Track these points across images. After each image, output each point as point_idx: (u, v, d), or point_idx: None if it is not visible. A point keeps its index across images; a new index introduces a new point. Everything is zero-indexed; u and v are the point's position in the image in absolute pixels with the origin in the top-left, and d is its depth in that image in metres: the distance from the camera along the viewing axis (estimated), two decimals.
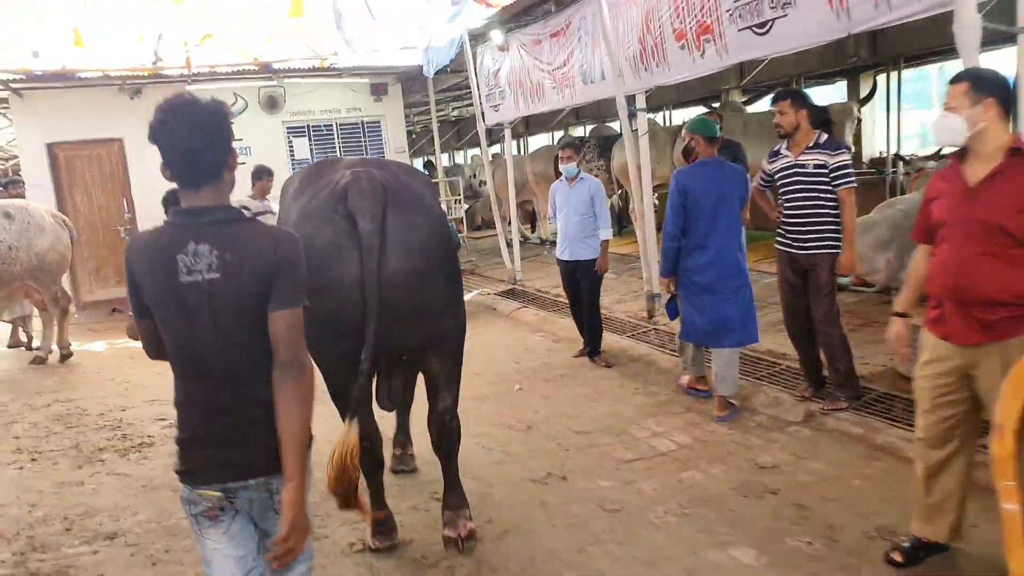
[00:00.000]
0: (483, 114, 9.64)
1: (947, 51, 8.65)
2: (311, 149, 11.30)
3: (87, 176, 10.32)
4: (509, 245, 9.87)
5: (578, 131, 15.91)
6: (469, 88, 11.01)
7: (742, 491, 3.72)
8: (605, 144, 11.31)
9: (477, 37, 9.04)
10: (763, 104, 11.88)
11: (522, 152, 16.14)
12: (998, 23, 3.69)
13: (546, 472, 4.11)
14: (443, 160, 15.89)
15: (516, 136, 14.00)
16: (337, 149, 11.44)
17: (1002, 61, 6.52)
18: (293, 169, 9.97)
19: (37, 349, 7.84)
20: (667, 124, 12.73)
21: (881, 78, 9.27)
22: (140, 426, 5.45)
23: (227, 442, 1.96)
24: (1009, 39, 4.14)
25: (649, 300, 6.83)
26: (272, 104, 11.04)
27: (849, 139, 8.22)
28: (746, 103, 11.35)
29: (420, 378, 3.61)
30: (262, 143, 10.43)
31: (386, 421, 3.99)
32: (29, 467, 4.81)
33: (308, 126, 11.37)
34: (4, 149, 14.88)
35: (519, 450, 4.47)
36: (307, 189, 3.36)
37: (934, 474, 2.83)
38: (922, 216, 2.84)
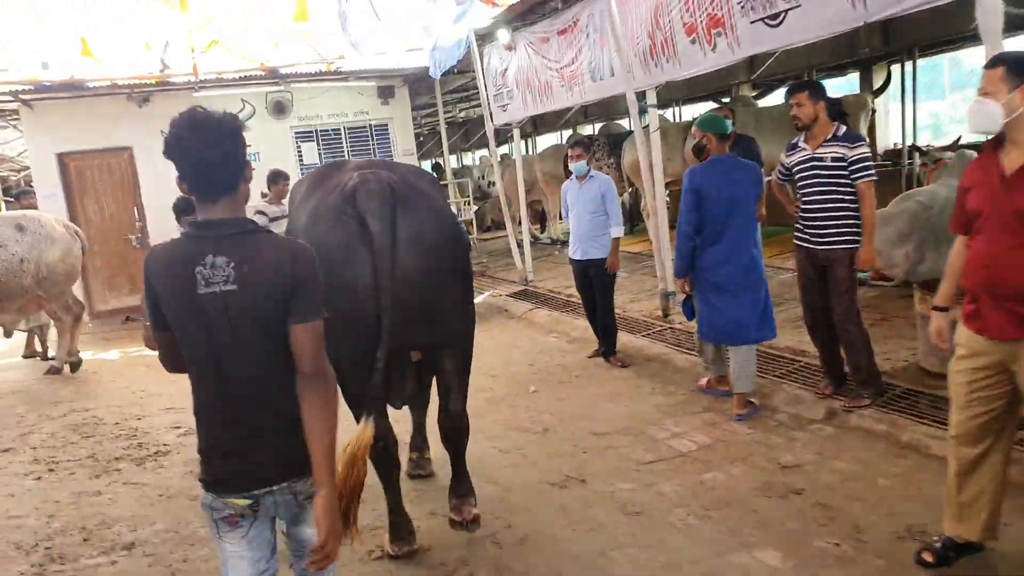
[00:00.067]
0: (491, 114, 9.59)
1: (961, 39, 8.56)
2: (319, 154, 11.30)
3: (98, 185, 10.36)
4: (520, 246, 9.82)
5: (587, 130, 15.84)
6: (476, 89, 10.97)
7: (765, 491, 3.65)
8: (615, 142, 11.23)
9: (484, 37, 8.98)
10: (774, 98, 11.78)
11: (530, 152, 16.07)
12: (1021, 8, 3.60)
13: (564, 475, 4.06)
14: (451, 162, 15.87)
15: (524, 136, 13.95)
16: (345, 153, 11.43)
17: None
18: (302, 174, 9.97)
19: (53, 359, 7.85)
20: (677, 120, 12.63)
21: (894, 68, 9.15)
22: (156, 434, 5.44)
23: (249, 451, 2.00)
24: None
25: (664, 298, 6.76)
26: (280, 109, 11.05)
27: (863, 131, 8.10)
28: (757, 97, 11.24)
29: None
30: (270, 149, 10.45)
31: (401, 425, 3.97)
32: (47, 477, 4.81)
33: (316, 131, 11.37)
34: (16, 160, 14.97)
35: (536, 453, 4.42)
36: (316, 192, 3.36)
37: (967, 472, 2.75)
38: (958, 206, 2.76)
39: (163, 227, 8.16)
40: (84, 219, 10.00)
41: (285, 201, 6.95)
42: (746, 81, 11.17)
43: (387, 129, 11.75)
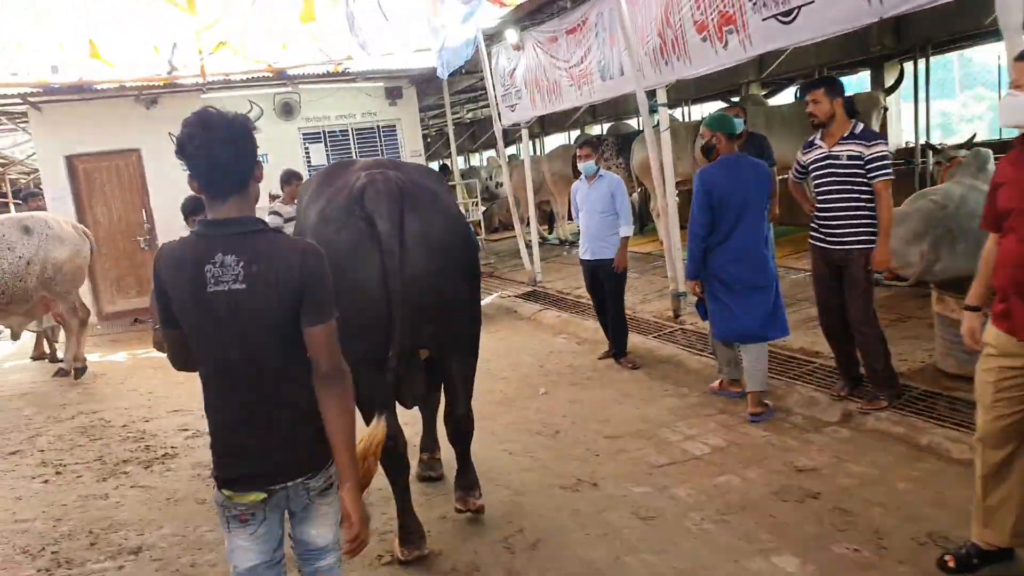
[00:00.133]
0: (499, 114, 9.54)
1: (975, 36, 8.47)
2: (327, 155, 11.27)
3: (106, 187, 10.36)
4: (528, 246, 9.77)
5: (595, 130, 15.78)
6: (483, 90, 10.93)
7: (781, 495, 3.58)
8: (623, 142, 11.17)
9: (492, 37, 8.94)
10: (784, 97, 11.69)
11: (538, 153, 16.02)
12: None
13: (576, 478, 3.99)
14: (459, 163, 15.83)
15: (532, 136, 13.86)
16: (353, 154, 11.39)
17: None
18: (310, 175, 9.94)
19: (61, 361, 7.84)
20: (686, 120, 12.56)
21: (906, 66, 9.06)
22: (163, 437, 5.41)
23: (260, 448, 2.02)
24: None
25: (675, 299, 6.69)
26: (287, 110, 11.04)
27: (875, 129, 8.02)
28: (767, 96, 11.15)
29: None
30: (279, 150, 10.43)
31: (411, 428, 3.93)
32: (54, 480, 4.78)
33: (324, 132, 11.35)
34: (25, 163, 15.01)
35: (547, 456, 4.36)
36: (324, 192, 3.35)
37: (993, 475, 2.68)
38: (988, 203, 2.68)
39: (171, 229, 8.13)
40: (92, 221, 10.00)
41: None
42: (755, 80, 11.10)
43: (395, 130, 11.72)
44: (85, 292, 8.52)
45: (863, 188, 4.05)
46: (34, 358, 8.65)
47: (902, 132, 9.85)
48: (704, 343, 5.71)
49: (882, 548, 3.04)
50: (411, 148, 11.67)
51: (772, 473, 3.83)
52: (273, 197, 7.73)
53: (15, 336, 7.71)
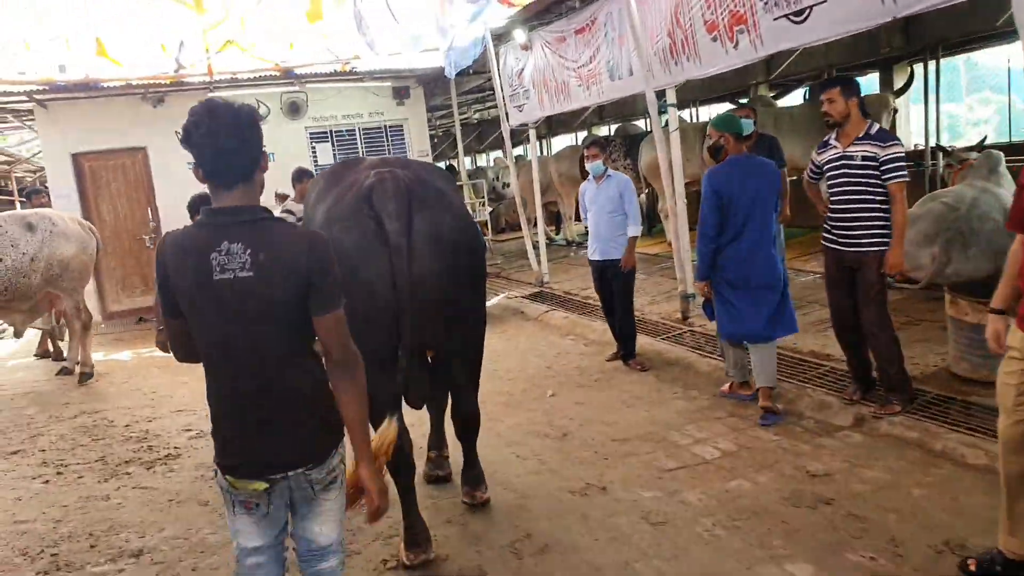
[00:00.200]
0: (507, 115, 9.49)
1: (986, 38, 8.39)
2: (334, 154, 11.24)
3: (112, 186, 10.34)
4: (535, 247, 9.71)
5: (602, 131, 15.72)
6: (491, 90, 10.87)
7: (794, 501, 3.51)
8: (631, 143, 11.11)
9: (500, 37, 8.89)
10: (792, 98, 11.62)
11: (545, 154, 15.97)
12: None
13: (585, 482, 3.93)
14: (466, 163, 15.78)
15: (539, 137, 13.83)
16: (360, 154, 11.35)
17: None
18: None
19: (65, 360, 7.81)
20: (693, 121, 12.48)
21: (916, 68, 8.98)
22: (166, 437, 5.36)
23: (261, 437, 2.03)
24: None
25: (683, 301, 6.62)
26: (294, 110, 11.00)
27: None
28: (775, 97, 11.08)
29: None
30: (285, 149, 10.38)
31: (416, 430, 3.88)
32: (55, 481, 4.73)
33: (331, 131, 11.32)
34: (31, 161, 15.03)
35: (555, 459, 4.29)
36: (331, 191, 3.33)
37: (1018, 482, 2.60)
38: (1015, 203, 2.62)
39: (177, 227, 8.11)
40: (98, 219, 9.96)
41: None
42: (764, 81, 11.02)
43: (402, 130, 11.68)
44: (90, 290, 8.48)
45: (877, 189, 3.98)
46: (38, 356, 8.64)
47: (911, 134, 9.77)
48: (713, 345, 5.65)
49: (898, 556, 2.97)
50: (418, 148, 11.63)
51: (784, 478, 3.76)
52: (279, 196, 7.70)
53: (18, 334, 7.67)
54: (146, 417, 5.91)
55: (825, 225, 4.29)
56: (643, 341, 6.12)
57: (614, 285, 5.79)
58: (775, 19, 4.98)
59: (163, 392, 6.59)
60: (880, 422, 4.13)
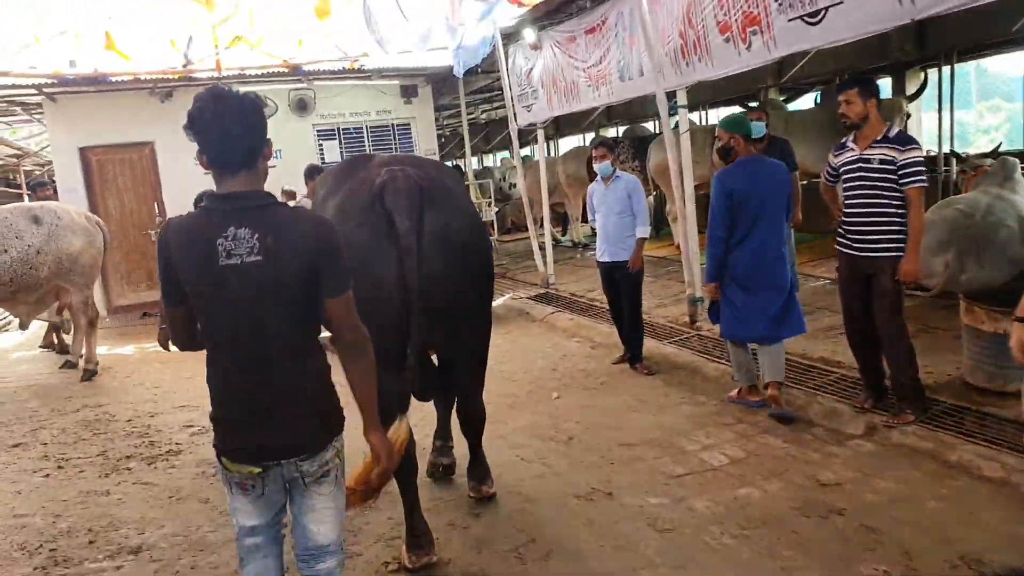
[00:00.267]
0: (515, 114, 9.43)
1: (1000, 44, 8.30)
2: (341, 152, 11.20)
3: (119, 180, 10.31)
4: (541, 248, 9.64)
5: (610, 132, 15.64)
6: (498, 90, 10.82)
7: (804, 511, 3.44)
8: (639, 144, 11.04)
9: (509, 36, 8.84)
10: (802, 102, 11.55)
11: (552, 155, 15.90)
12: None
13: (590, 487, 3.87)
14: (472, 163, 15.74)
15: (546, 138, 13.73)
16: (367, 152, 11.32)
17: None
18: None
19: (68, 353, 7.77)
20: (703, 123, 12.41)
21: (929, 73, 8.89)
22: (168, 433, 5.32)
23: (256, 426, 2.05)
24: None
25: (691, 304, 6.55)
26: (302, 107, 10.97)
27: None
28: (785, 101, 11.00)
29: None
30: (292, 146, 10.37)
31: (419, 431, 3.83)
32: (55, 475, 4.69)
33: (338, 129, 11.28)
34: (39, 154, 15.03)
35: (560, 463, 4.23)
36: (342, 187, 3.31)
37: None
38: None
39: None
40: (104, 213, 9.93)
41: None
42: (774, 85, 10.94)
43: (409, 129, 11.63)
44: (95, 284, 8.45)
45: (894, 194, 3.90)
46: (43, 346, 8.62)
47: (922, 141, 9.68)
48: (721, 350, 5.57)
49: (912, 570, 2.90)
50: (425, 147, 11.58)
51: (794, 487, 3.69)
52: (286, 192, 7.66)
53: (23, 326, 7.64)
54: (148, 412, 5.87)
55: (839, 229, 4.21)
56: (650, 345, 6.06)
57: (622, 287, 5.73)
58: (789, 20, 4.92)
59: (166, 388, 6.55)
60: (892, 431, 4.05)
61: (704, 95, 11.67)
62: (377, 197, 3.02)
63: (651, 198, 11.23)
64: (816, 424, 4.40)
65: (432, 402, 4.00)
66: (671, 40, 6.16)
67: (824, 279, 7.41)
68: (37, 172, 16.75)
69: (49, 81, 9.27)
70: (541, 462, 4.26)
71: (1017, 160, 6.17)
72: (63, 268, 6.94)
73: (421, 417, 4.01)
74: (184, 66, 9.56)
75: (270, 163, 2.15)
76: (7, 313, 8.06)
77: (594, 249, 6.14)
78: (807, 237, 8.87)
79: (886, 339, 4.08)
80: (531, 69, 8.89)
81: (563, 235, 13.56)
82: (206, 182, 2.05)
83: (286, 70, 10.33)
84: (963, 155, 7.35)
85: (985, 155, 7.15)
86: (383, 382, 2.49)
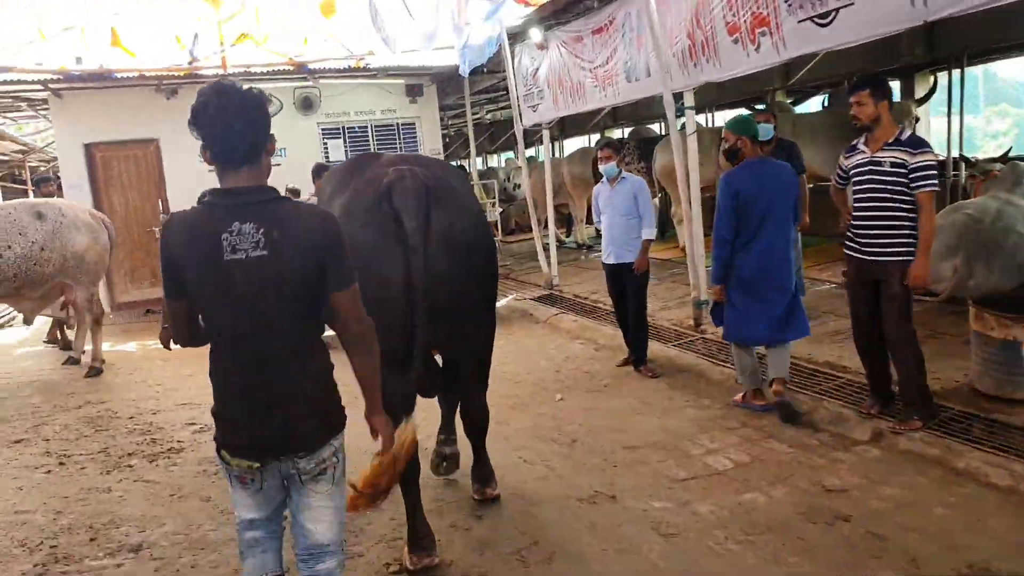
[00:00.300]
0: (520, 114, 9.40)
1: (1012, 48, 8.24)
2: (346, 151, 11.19)
3: (123, 177, 10.32)
4: (546, 249, 9.62)
5: (615, 133, 15.60)
6: (504, 90, 10.79)
7: (810, 516, 3.41)
8: (645, 146, 11.00)
9: (515, 36, 8.82)
10: (808, 105, 11.49)
11: (557, 155, 15.87)
12: None
13: (593, 490, 3.84)
14: (477, 164, 15.71)
15: (551, 139, 13.72)
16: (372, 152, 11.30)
17: None
18: None
19: (71, 349, 7.77)
20: (708, 125, 12.37)
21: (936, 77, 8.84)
22: (170, 430, 5.30)
23: (256, 423, 2.05)
24: None
25: (696, 307, 6.51)
26: (307, 105, 10.96)
27: None
28: (792, 104, 10.95)
29: None
30: (297, 144, 10.36)
31: (421, 431, 3.79)
32: (57, 471, 4.68)
33: (343, 127, 11.28)
34: (45, 150, 15.05)
35: (563, 465, 4.20)
36: (348, 185, 3.29)
37: None
38: None
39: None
40: (109, 210, 9.92)
41: None
42: (781, 87, 10.89)
43: (414, 128, 11.62)
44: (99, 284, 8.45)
45: (904, 198, 3.86)
46: (47, 341, 8.62)
47: (931, 145, 9.62)
48: (726, 353, 5.54)
49: None
50: (430, 147, 11.57)
51: (799, 492, 3.65)
52: (290, 190, 7.65)
53: (28, 321, 7.64)
54: (150, 409, 5.85)
55: (848, 233, 4.18)
56: (654, 347, 6.02)
57: (629, 289, 5.70)
58: (799, 21, 4.88)
59: (168, 385, 6.54)
60: (899, 437, 4.01)
61: (710, 97, 11.62)
62: (384, 196, 3.01)
63: (656, 200, 11.20)
64: (822, 429, 4.36)
65: (436, 399, 4.02)
66: (679, 41, 6.12)
67: (830, 283, 7.36)
68: (42, 168, 16.77)
69: (55, 77, 9.28)
70: (544, 464, 4.24)
71: None
72: (68, 265, 6.91)
73: (424, 417, 3.98)
74: (190, 63, 9.57)
75: (274, 161, 2.15)
76: (11, 309, 8.05)
77: (598, 251, 6.11)
78: (813, 240, 8.83)
79: (895, 344, 4.04)
80: (537, 69, 8.86)
81: (567, 236, 13.53)
82: (210, 180, 2.03)
83: (291, 68, 10.33)
84: (972, 159, 7.32)
85: (994, 160, 7.11)
86: (388, 382, 2.48)
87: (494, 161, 22.66)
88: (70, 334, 8.16)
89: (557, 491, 3.88)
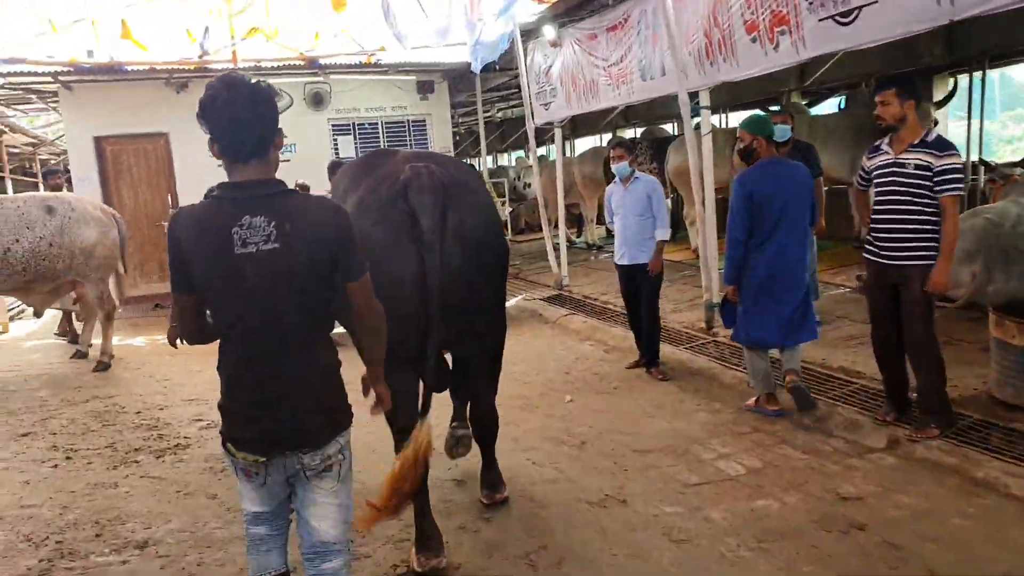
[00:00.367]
0: (532, 113, 9.34)
1: None
2: (356, 148, 11.16)
3: (133, 170, 10.32)
4: (556, 249, 9.55)
5: (628, 133, 15.51)
6: (515, 88, 10.73)
7: (824, 524, 3.34)
8: (658, 146, 10.91)
9: (528, 33, 8.76)
10: (825, 107, 11.40)
11: (568, 155, 15.79)
12: None
13: (604, 494, 3.78)
14: (487, 162, 15.66)
15: (563, 138, 13.65)
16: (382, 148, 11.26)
17: None
18: None
19: (79, 343, 7.76)
20: (723, 126, 12.27)
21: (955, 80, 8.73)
22: (177, 426, 5.28)
23: (265, 415, 2.05)
24: None
25: (708, 310, 6.44)
26: (318, 101, 10.93)
27: None
28: (808, 105, 10.85)
29: None
30: (307, 140, 10.34)
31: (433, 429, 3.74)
32: (63, 466, 4.66)
33: (353, 124, 11.24)
34: (55, 143, 15.09)
35: (572, 468, 4.15)
36: (363, 182, 3.26)
37: None
38: None
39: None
40: (118, 204, 9.94)
41: None
42: (797, 88, 10.79)
43: (424, 125, 11.58)
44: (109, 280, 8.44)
45: (928, 201, 3.77)
46: (58, 334, 8.63)
47: None
48: (738, 357, 5.47)
49: None
50: (440, 145, 11.53)
51: (813, 499, 3.59)
52: (300, 186, 7.61)
53: (37, 313, 7.64)
54: (157, 405, 5.83)
55: (868, 236, 4.10)
56: (666, 350, 5.96)
57: (642, 290, 5.63)
58: (820, 20, 4.81)
59: (176, 380, 6.52)
60: (916, 445, 3.94)
61: (724, 97, 11.52)
62: (400, 194, 2.99)
63: (668, 201, 11.12)
64: (836, 436, 4.29)
65: (448, 394, 4.03)
66: (695, 39, 6.05)
67: (844, 287, 7.28)
68: (53, 161, 16.83)
69: (65, 69, 9.28)
70: (553, 466, 4.18)
71: None
72: (77, 261, 6.87)
73: (435, 415, 3.92)
74: (200, 57, 9.55)
75: (283, 157, 2.13)
76: (20, 302, 8.05)
77: (608, 251, 6.05)
78: (828, 244, 8.73)
79: (914, 350, 3.96)
80: (550, 67, 8.79)
81: (578, 236, 13.47)
82: (220, 175, 2.01)
83: (302, 63, 10.30)
84: (992, 164, 7.22)
85: (1015, 164, 7.02)
86: (399, 381, 2.44)
87: (504, 160, 22.61)
88: (78, 326, 8.16)
89: (566, 494, 3.83)
